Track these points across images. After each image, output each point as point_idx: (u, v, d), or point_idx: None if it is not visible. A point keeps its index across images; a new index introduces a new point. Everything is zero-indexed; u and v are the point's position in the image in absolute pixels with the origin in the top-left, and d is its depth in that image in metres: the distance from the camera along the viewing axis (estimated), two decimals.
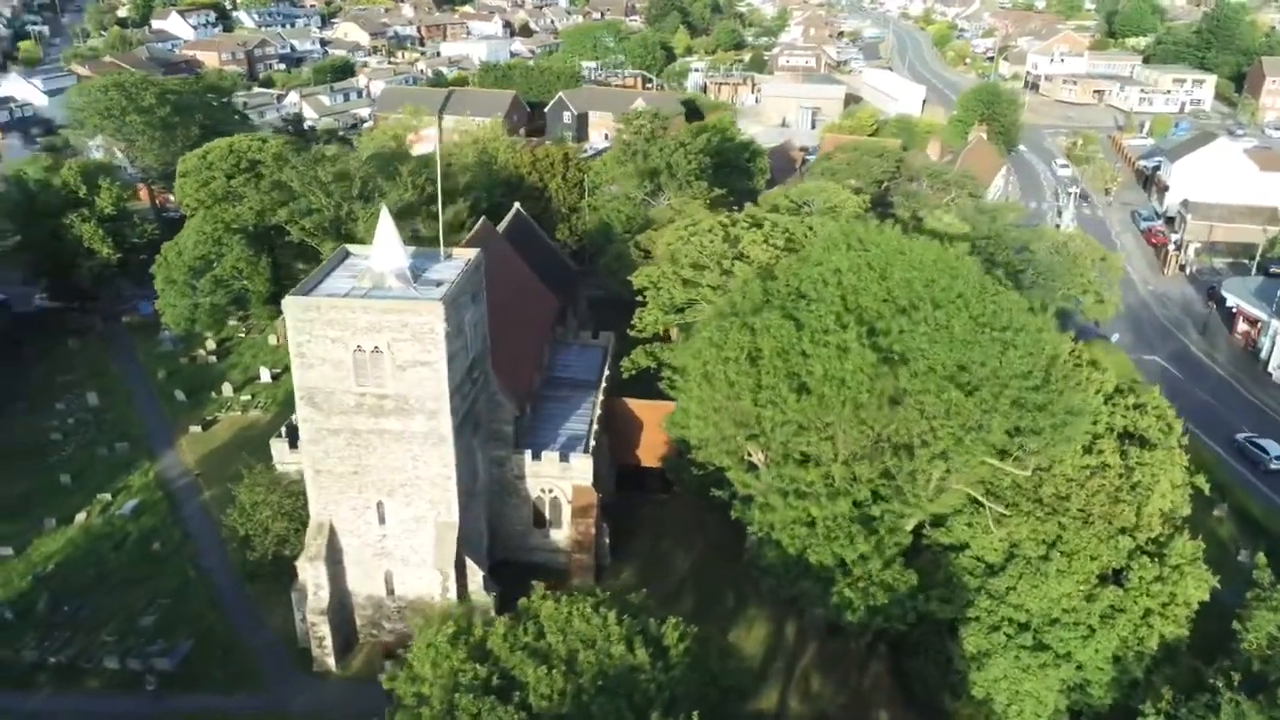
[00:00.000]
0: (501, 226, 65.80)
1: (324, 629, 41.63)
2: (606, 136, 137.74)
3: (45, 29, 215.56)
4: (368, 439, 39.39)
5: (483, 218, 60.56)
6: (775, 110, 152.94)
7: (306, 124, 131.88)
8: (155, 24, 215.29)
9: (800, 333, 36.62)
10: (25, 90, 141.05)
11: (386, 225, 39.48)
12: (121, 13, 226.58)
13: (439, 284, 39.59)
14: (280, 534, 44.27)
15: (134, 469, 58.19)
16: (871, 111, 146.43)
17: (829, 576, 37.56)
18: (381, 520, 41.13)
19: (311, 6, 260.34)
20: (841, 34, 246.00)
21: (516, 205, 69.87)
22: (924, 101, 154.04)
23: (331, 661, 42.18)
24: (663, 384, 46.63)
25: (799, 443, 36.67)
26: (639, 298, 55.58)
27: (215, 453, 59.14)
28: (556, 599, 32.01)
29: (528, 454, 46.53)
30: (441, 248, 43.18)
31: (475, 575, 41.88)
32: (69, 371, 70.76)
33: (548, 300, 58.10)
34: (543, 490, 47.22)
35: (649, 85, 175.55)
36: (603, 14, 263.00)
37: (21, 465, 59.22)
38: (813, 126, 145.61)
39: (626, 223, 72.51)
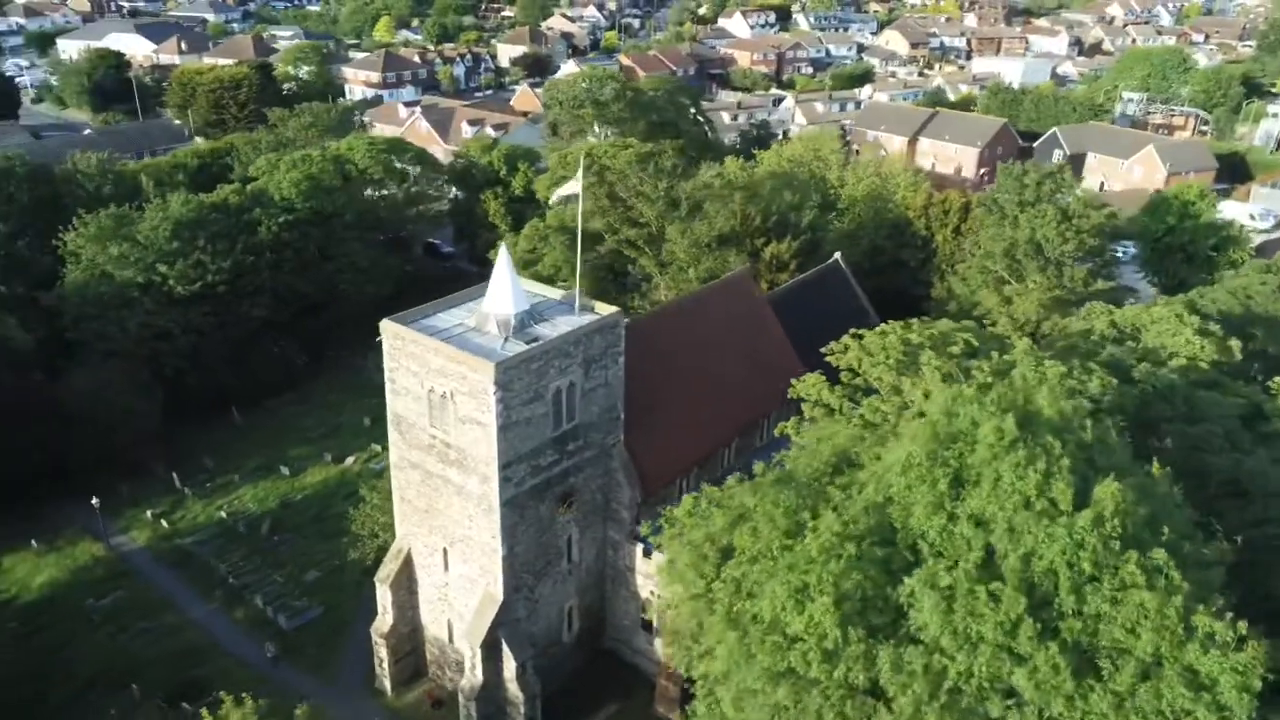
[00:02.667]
0: (800, 278, 58.43)
1: (383, 651, 41.14)
2: (1103, 186, 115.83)
3: (636, 22, 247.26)
4: (436, 483, 37.33)
5: (745, 266, 53.96)
6: None
7: (777, 130, 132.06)
8: (721, 22, 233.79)
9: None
10: None
11: (502, 264, 36.44)
12: (702, 10, 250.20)
13: (536, 340, 35.51)
14: (385, 544, 44.56)
15: None
16: None
17: None
18: (445, 567, 39.01)
19: (874, 13, 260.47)
20: None
21: (837, 256, 61.17)
22: None
23: (388, 685, 41.66)
24: None
25: None
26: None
27: None
28: None
29: (639, 547, 40.42)
30: (578, 298, 38.73)
31: (509, 662, 37.64)
32: None
33: (765, 389, 47.48)
34: (652, 593, 40.80)
35: (1204, 130, 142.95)
36: (1206, 37, 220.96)
37: (354, 401, 68.46)
38: None
39: (969, 299, 59.17)
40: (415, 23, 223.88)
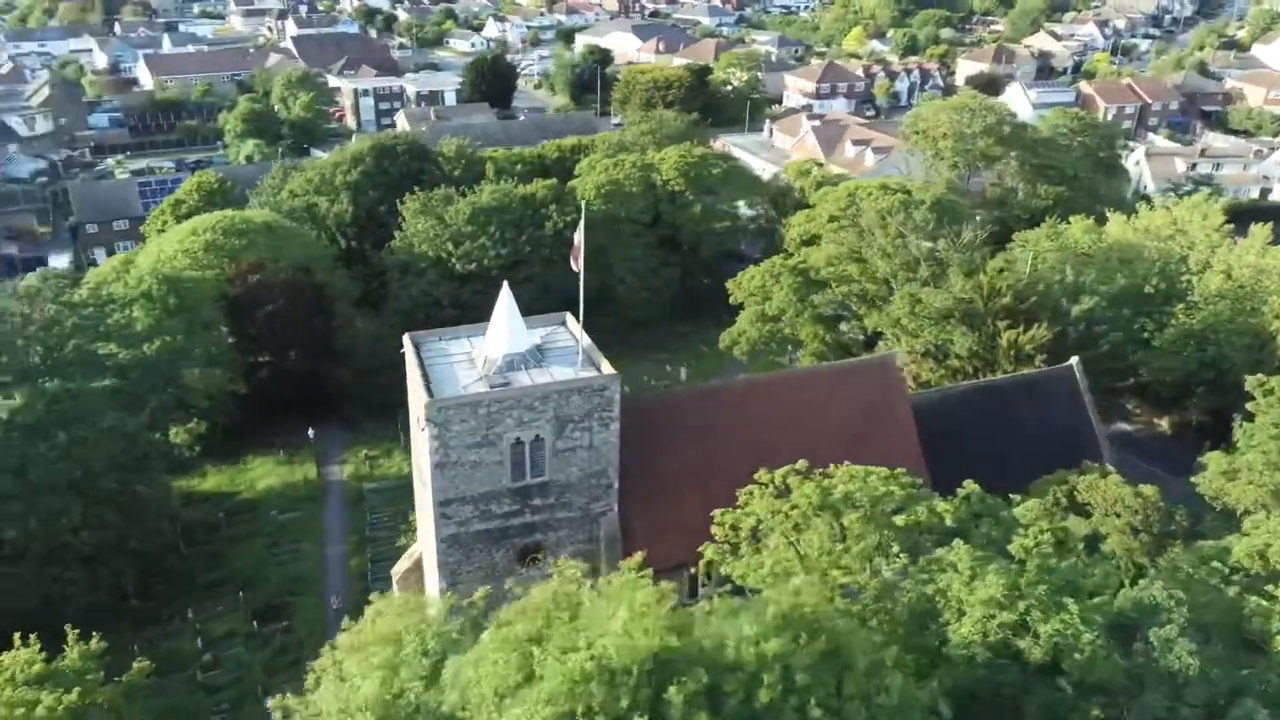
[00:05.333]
0: (999, 379, 48.01)
1: None
2: None
3: (1144, 44, 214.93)
4: (421, 496, 38.32)
5: (890, 352, 45.38)
6: None
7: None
8: (1255, 49, 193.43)
9: None
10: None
11: (501, 304, 35.88)
12: (1240, 34, 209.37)
13: (505, 385, 34.54)
14: None
15: None
16: None
17: None
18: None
19: None
20: None
21: (1073, 362, 48.57)
22: None
23: None
24: None
25: None
26: None
27: None
28: None
29: None
30: (580, 351, 36.31)
31: None
32: None
33: None
34: None
35: None
36: None
37: None
38: None
39: None
40: (890, 33, 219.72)
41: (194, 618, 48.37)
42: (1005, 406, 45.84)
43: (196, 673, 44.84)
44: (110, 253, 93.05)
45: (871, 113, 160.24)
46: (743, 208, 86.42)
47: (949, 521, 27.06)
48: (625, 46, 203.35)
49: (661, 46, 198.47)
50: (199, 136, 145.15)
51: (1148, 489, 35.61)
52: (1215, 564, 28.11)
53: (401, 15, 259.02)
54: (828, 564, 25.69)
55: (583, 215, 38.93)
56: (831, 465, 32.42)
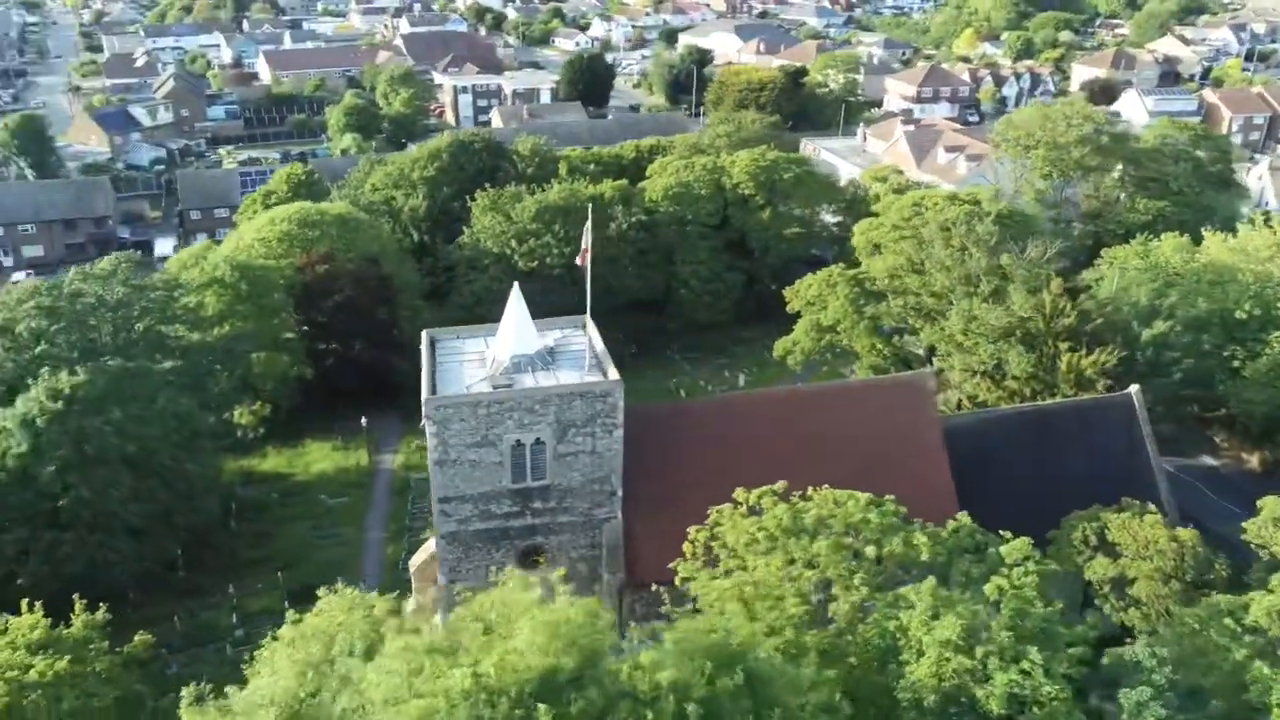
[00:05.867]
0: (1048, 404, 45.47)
1: None
2: None
3: None
4: None
5: (925, 370, 43.10)
6: None
7: None
8: None
9: None
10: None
11: (511, 306, 35.90)
12: None
13: (508, 386, 34.60)
14: None
15: None
16: None
17: None
18: None
19: None
20: None
21: (1133, 390, 45.38)
22: None
23: None
24: None
25: None
26: None
27: None
28: None
29: None
30: (587, 355, 35.98)
31: None
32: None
33: None
34: None
35: None
36: None
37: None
38: None
39: None
40: (1004, 36, 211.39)
41: (233, 593, 50.27)
42: (1052, 434, 43.25)
43: (228, 646, 46.55)
44: (211, 237, 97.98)
45: (975, 118, 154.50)
46: (826, 214, 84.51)
47: (924, 556, 25.55)
48: (726, 47, 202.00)
49: (762, 47, 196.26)
50: (306, 130, 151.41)
51: (1187, 533, 32.91)
52: (1228, 621, 25.63)
53: (511, 14, 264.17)
54: (783, 591, 24.60)
55: (589, 217, 38.54)
56: (824, 486, 31.18)
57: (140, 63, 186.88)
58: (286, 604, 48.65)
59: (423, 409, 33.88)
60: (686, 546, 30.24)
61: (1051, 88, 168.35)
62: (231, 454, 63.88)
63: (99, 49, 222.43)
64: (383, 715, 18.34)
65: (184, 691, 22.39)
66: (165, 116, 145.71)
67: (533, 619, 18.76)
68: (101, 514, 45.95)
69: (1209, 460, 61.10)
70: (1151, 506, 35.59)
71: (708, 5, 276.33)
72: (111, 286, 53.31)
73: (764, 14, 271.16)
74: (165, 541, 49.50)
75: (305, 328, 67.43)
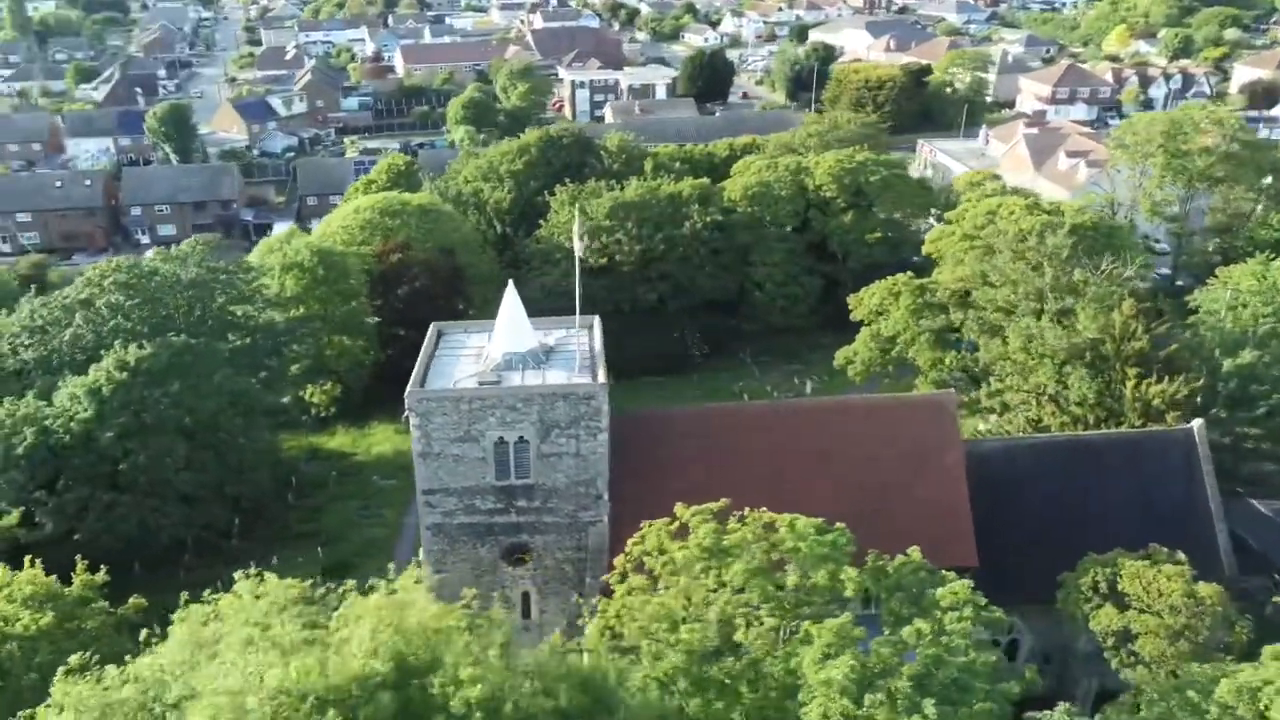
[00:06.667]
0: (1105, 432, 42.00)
1: None
2: None
3: None
4: None
5: (947, 392, 40.28)
6: None
7: None
8: None
9: None
10: None
11: (506, 304, 35.88)
12: None
13: (497, 383, 34.70)
14: None
15: None
16: None
17: None
18: None
19: None
20: None
21: (1196, 425, 41.15)
22: None
23: None
24: None
25: None
26: None
27: None
28: None
29: None
30: (579, 356, 35.52)
31: None
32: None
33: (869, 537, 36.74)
34: None
35: None
36: None
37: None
38: None
39: None
40: (1161, 33, 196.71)
41: (276, 564, 52.65)
42: (1094, 466, 39.86)
43: None
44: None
45: (1116, 122, 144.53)
46: (926, 220, 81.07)
47: (848, 591, 23.84)
48: (856, 43, 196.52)
49: (892, 44, 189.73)
50: (429, 121, 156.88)
51: (1209, 588, 29.58)
52: (1191, 694, 22.57)
53: (644, 9, 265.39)
54: (687, 615, 23.46)
55: (577, 214, 37.91)
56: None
57: (290, 56, 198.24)
58: (320, 578, 50.95)
59: (410, 399, 34.47)
60: (619, 560, 29.51)
61: (1207, 89, 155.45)
62: (302, 431, 67.10)
63: (258, 43, 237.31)
64: (192, 707, 18.72)
65: (70, 659, 23.56)
66: (300, 107, 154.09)
67: (374, 621, 18.63)
68: (157, 480, 48.96)
69: None
70: (1181, 555, 32.23)
71: (844, 1, 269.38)
72: (187, 267, 56.68)
73: (903, 9, 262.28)
74: (217, 510, 52.27)
75: (381, 313, 69.85)
